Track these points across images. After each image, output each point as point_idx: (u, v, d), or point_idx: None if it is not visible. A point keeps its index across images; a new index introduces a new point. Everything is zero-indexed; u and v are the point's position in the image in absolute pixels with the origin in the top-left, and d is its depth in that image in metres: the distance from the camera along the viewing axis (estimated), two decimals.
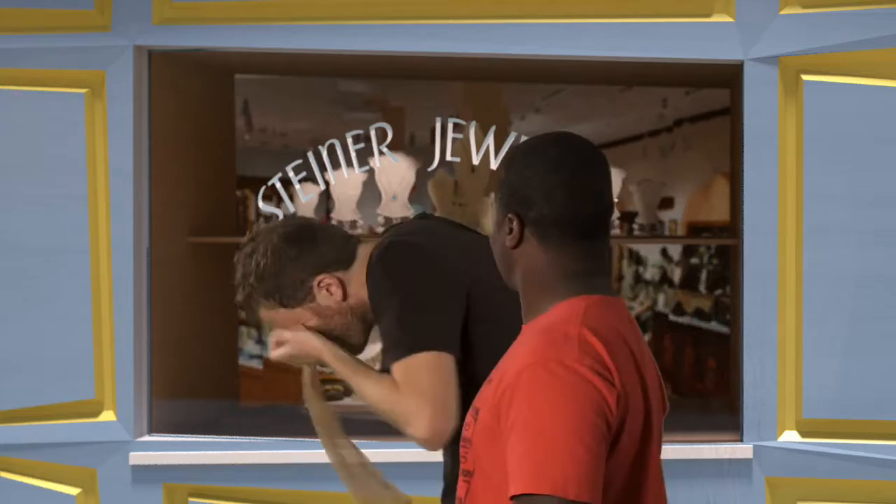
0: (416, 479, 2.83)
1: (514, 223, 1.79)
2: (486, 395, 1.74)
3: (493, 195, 1.87)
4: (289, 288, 2.49)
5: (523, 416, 1.64)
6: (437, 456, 2.49)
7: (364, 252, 2.52)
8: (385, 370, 2.42)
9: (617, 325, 1.76)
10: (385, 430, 4.48)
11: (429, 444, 2.32)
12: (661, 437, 1.84)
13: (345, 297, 2.50)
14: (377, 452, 3.96)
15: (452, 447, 2.51)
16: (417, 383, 2.30)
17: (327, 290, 2.50)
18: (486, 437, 1.70)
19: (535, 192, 1.76)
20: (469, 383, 2.37)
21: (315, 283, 2.49)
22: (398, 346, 2.36)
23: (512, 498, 1.63)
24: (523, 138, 4.07)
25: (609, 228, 1.83)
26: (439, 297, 2.37)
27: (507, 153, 1.86)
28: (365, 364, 2.47)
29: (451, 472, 2.55)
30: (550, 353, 1.67)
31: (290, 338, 2.51)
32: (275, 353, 2.54)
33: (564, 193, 1.76)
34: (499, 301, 2.27)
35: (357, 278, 2.49)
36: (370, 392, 2.40)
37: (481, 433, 1.72)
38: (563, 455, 1.60)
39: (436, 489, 2.51)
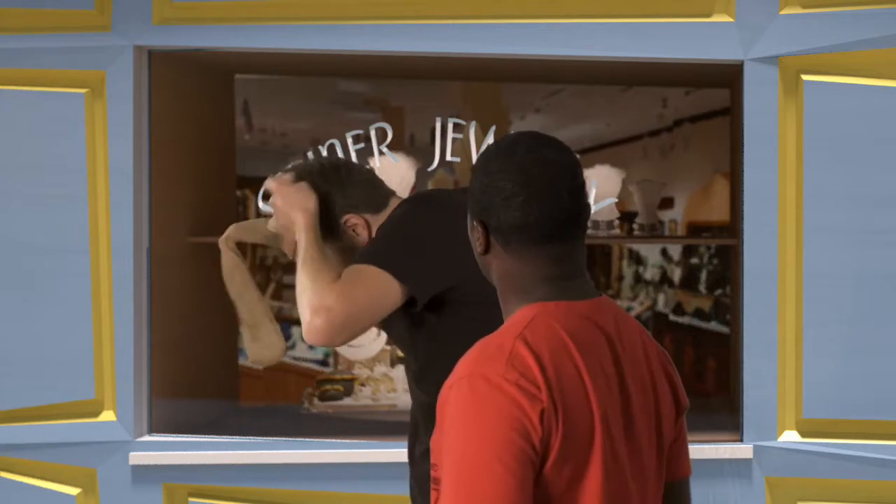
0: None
1: (480, 230, 1.78)
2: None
3: None
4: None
5: (451, 434, 1.63)
6: None
7: (395, 202, 2.55)
8: None
9: (564, 335, 1.71)
10: (384, 430, 4.48)
11: (312, 336, 2.29)
12: (639, 444, 1.78)
13: (370, 238, 2.52)
14: (376, 453, 3.97)
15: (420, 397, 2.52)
16: (353, 288, 2.29)
17: (353, 229, 2.52)
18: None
19: (493, 199, 1.74)
20: (430, 343, 2.41)
21: (343, 221, 2.52)
22: (366, 254, 2.37)
23: None
24: None
25: (582, 228, 1.78)
26: (437, 245, 2.38)
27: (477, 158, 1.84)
28: (328, 261, 2.43)
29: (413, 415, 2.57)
30: (478, 367, 1.65)
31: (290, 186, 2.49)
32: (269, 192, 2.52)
33: (522, 200, 1.73)
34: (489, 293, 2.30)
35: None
36: (306, 276, 2.35)
37: (439, 442, 1.71)
38: (482, 477, 1.58)
39: None
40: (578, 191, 1.77)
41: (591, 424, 1.68)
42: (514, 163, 1.75)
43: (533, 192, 1.73)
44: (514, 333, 1.69)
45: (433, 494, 1.75)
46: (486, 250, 1.78)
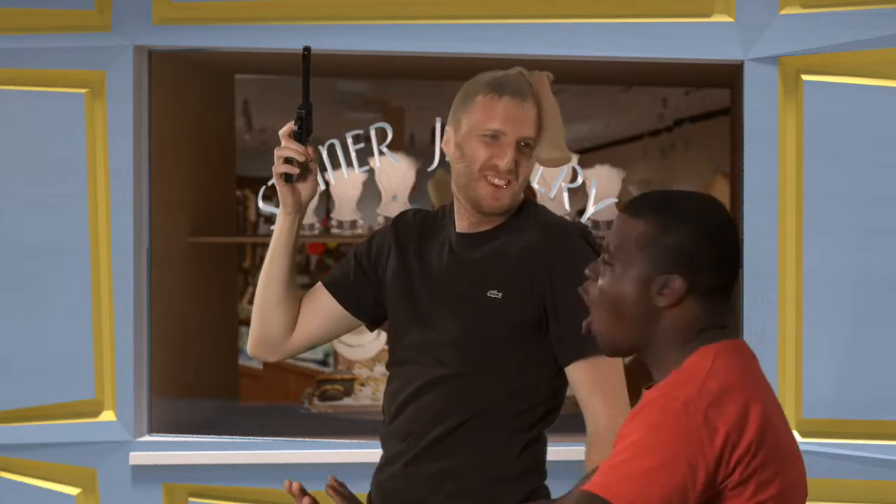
0: None
1: (678, 284, 1.78)
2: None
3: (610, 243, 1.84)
4: None
5: (636, 432, 1.67)
6: None
7: None
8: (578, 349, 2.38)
9: (757, 369, 1.81)
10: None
11: None
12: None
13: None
14: (376, 453, 3.97)
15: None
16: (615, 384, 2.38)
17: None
18: None
19: (704, 257, 1.79)
20: None
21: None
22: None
23: (583, 489, 1.66)
24: None
25: None
26: None
27: (660, 208, 1.83)
28: None
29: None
30: (679, 392, 1.70)
31: None
32: None
33: (728, 259, 1.82)
34: None
35: None
36: None
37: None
38: (652, 480, 1.63)
39: None
40: None
41: (793, 453, 1.77)
42: (717, 223, 1.83)
43: (734, 251, 1.84)
44: (718, 378, 1.73)
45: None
46: (673, 305, 1.80)
